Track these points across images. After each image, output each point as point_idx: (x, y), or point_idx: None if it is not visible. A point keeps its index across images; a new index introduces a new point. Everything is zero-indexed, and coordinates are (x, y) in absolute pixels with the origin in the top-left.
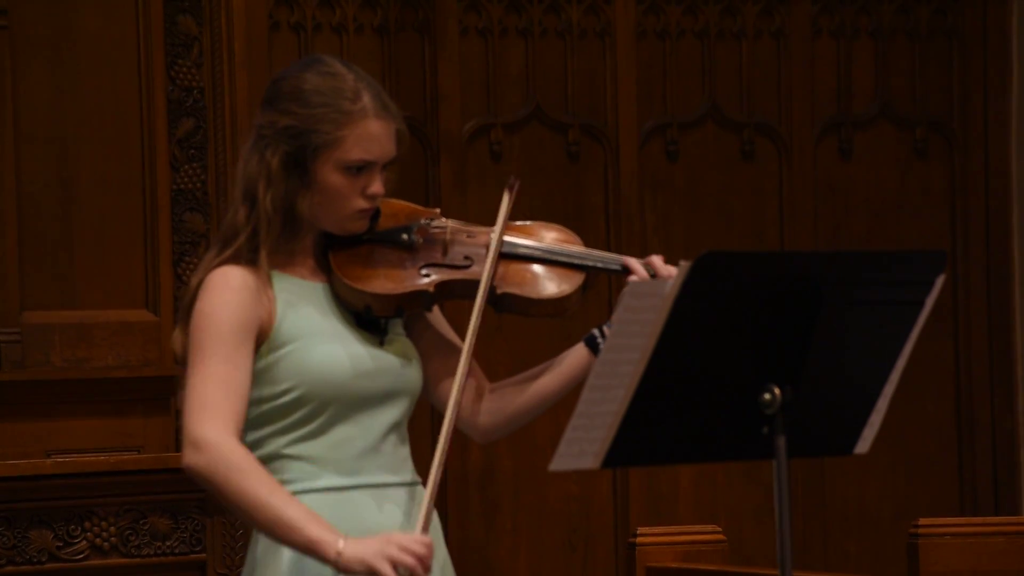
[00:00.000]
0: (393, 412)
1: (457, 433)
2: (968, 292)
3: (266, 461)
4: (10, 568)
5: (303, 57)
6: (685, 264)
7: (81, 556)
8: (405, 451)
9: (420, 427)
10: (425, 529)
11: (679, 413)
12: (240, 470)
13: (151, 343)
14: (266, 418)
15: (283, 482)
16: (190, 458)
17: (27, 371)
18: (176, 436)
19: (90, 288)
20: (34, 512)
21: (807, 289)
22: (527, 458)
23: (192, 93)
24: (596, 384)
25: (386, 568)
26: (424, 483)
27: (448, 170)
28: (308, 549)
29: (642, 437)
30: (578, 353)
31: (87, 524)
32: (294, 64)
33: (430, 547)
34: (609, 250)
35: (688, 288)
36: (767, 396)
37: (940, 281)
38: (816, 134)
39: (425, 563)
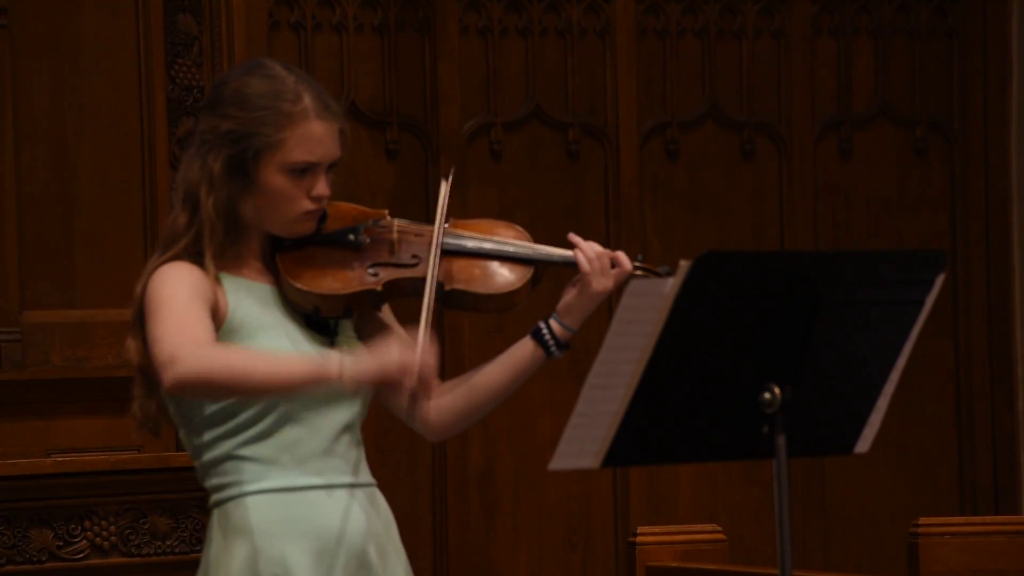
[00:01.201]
0: (344, 413)
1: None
2: (968, 292)
3: (219, 462)
4: (10, 567)
5: (244, 62)
6: (685, 264)
7: (81, 555)
8: (359, 453)
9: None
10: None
11: (679, 412)
12: (218, 352)
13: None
14: (217, 419)
15: (235, 483)
16: (169, 374)
17: (27, 370)
18: (176, 437)
19: (90, 287)
20: (34, 511)
21: (807, 288)
22: (527, 457)
23: (192, 92)
24: (596, 383)
25: (394, 366)
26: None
27: (448, 169)
28: (312, 378)
29: (642, 436)
30: (525, 347)
31: (87, 523)
32: (235, 69)
33: (435, 356)
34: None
35: (688, 288)
36: (767, 395)
37: (940, 280)
38: (816, 133)
39: (432, 357)
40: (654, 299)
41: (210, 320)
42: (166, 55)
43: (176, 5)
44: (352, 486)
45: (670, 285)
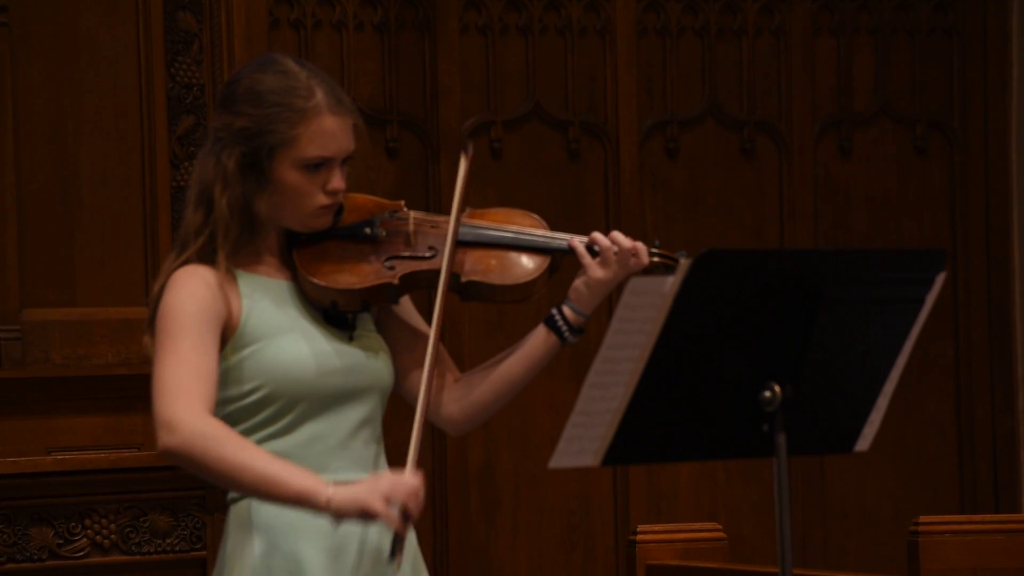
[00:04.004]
0: (362, 408)
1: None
2: (968, 290)
3: None
4: (11, 565)
5: (256, 58)
6: (686, 262)
7: (81, 553)
8: (378, 448)
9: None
10: (414, 468)
11: (679, 411)
12: (216, 439)
13: None
14: (234, 418)
15: None
16: (165, 439)
17: (27, 369)
18: None
19: (90, 285)
20: (35, 509)
21: (807, 287)
22: (527, 456)
23: (192, 90)
24: (596, 382)
25: (379, 505)
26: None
27: (448, 168)
28: (298, 500)
29: (642, 435)
30: (539, 335)
31: (87, 521)
32: (247, 65)
33: (421, 484)
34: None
35: (688, 286)
36: (767, 394)
37: (940, 279)
38: (816, 132)
39: (418, 498)
40: (654, 297)
41: (216, 358)
42: (166, 53)
43: (176, 3)
44: None
45: (670, 283)
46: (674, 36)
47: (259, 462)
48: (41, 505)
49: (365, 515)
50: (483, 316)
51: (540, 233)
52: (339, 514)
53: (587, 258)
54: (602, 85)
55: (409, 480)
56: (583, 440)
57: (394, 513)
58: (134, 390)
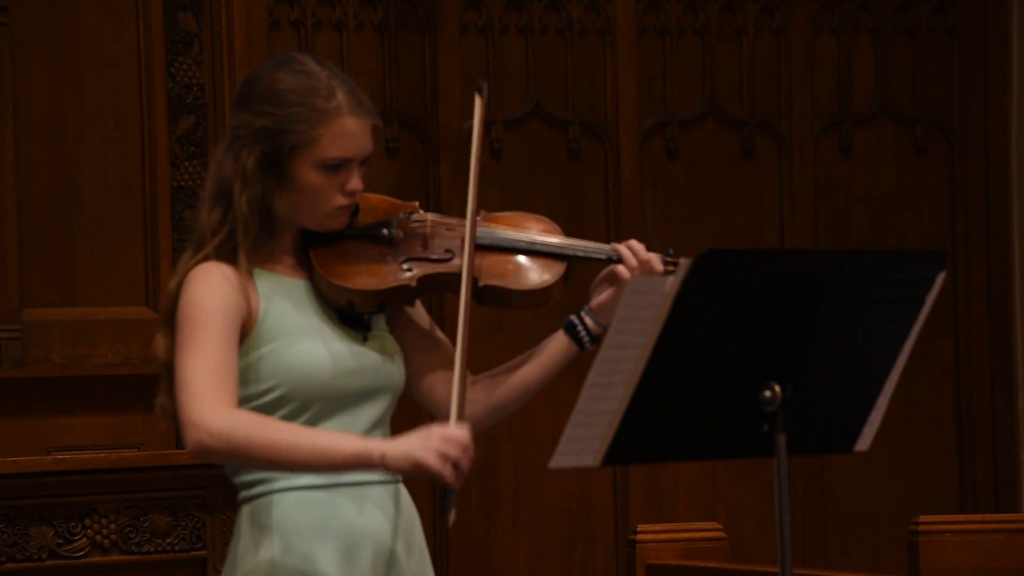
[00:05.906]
0: (375, 409)
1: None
2: (968, 290)
3: None
4: (11, 565)
5: (275, 56)
6: (686, 262)
7: (81, 553)
8: None
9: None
10: (460, 418)
11: (679, 411)
12: (256, 426)
13: (151, 340)
14: None
15: (266, 479)
16: (201, 439)
17: (27, 368)
18: (176, 434)
19: (90, 285)
20: (35, 509)
21: (807, 287)
22: (528, 455)
23: (192, 90)
24: (596, 381)
25: (432, 459)
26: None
27: (448, 168)
28: (353, 462)
29: (642, 435)
30: (558, 341)
31: (87, 521)
32: (267, 64)
33: (469, 436)
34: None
35: (689, 286)
36: (767, 394)
37: (940, 279)
38: (816, 132)
39: (468, 452)
40: (654, 297)
41: (237, 354)
42: (166, 53)
43: (176, 3)
44: (382, 483)
45: (670, 283)
46: (674, 36)
47: (306, 436)
48: (41, 505)
49: (418, 469)
50: (483, 316)
51: (557, 240)
52: (393, 469)
53: (625, 274)
54: (602, 85)
55: (459, 434)
56: (583, 440)
57: (448, 467)
58: (134, 390)
